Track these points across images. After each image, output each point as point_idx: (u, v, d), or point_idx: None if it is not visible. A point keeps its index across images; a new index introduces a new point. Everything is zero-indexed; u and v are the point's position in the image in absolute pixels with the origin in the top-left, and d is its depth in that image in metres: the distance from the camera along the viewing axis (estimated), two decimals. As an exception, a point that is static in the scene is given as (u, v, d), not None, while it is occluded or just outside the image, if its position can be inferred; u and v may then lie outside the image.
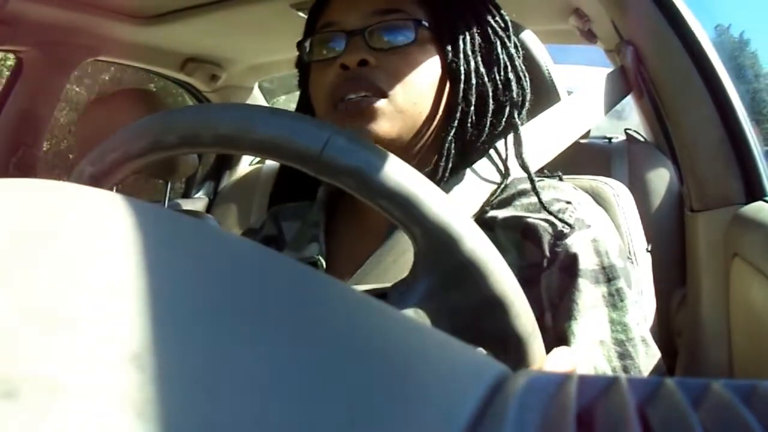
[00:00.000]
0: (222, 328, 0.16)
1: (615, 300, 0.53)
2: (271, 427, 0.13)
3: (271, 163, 1.51)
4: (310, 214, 0.66)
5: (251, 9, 1.12)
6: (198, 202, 1.58)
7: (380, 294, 0.37)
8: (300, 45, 0.63)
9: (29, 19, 1.08)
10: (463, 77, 0.58)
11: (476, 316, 0.36)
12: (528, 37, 0.81)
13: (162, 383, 0.13)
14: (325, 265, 0.60)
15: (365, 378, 0.16)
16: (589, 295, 0.52)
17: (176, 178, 1.32)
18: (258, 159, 1.58)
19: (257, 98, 1.68)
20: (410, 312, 0.36)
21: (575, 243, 0.53)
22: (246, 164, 1.64)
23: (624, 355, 0.51)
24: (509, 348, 0.37)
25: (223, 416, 0.13)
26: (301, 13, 1.09)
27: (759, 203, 0.73)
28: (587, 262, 0.53)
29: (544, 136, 0.67)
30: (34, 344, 0.13)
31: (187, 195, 1.63)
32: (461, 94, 0.58)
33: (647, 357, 0.52)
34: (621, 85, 0.81)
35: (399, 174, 0.36)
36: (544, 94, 0.78)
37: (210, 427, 0.13)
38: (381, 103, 0.55)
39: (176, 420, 0.13)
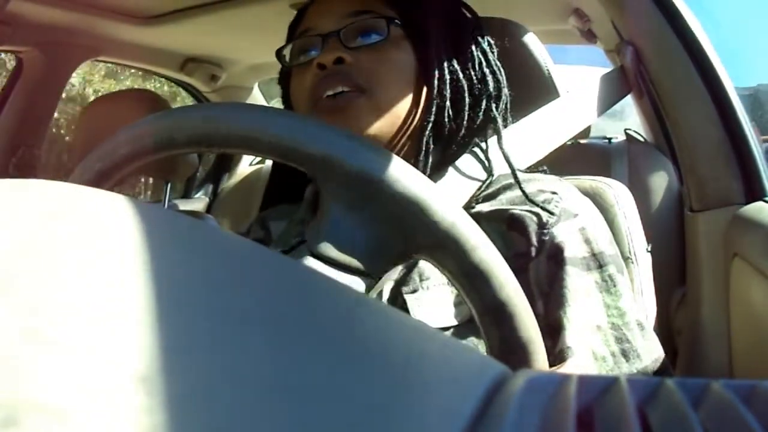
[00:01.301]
0: (226, 333, 0.16)
1: (608, 285, 0.53)
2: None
3: (270, 164, 1.51)
4: (297, 212, 0.68)
5: (251, 9, 1.12)
6: (198, 202, 1.58)
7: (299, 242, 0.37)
8: (279, 53, 0.64)
9: (29, 19, 1.08)
10: (436, 73, 0.59)
11: (400, 221, 0.36)
12: (528, 37, 0.81)
13: (171, 405, 0.13)
14: None
15: (365, 379, 0.16)
16: (580, 282, 0.53)
17: (176, 178, 1.32)
18: (258, 159, 1.58)
19: (257, 98, 1.68)
20: (327, 246, 0.36)
21: (562, 232, 0.54)
22: (246, 165, 1.64)
23: (621, 339, 0.51)
24: (448, 246, 0.35)
25: (221, 422, 0.13)
26: (301, 14, 1.09)
27: (759, 203, 0.73)
28: (576, 251, 0.54)
29: (537, 133, 0.67)
30: (36, 367, 0.13)
31: (187, 195, 1.63)
32: (436, 90, 0.59)
33: (644, 340, 0.53)
34: (621, 85, 0.81)
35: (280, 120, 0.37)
36: (544, 94, 0.78)
37: None
38: (361, 100, 0.57)
39: None
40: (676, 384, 0.16)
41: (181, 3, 1.12)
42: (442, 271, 0.37)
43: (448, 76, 0.59)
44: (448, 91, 0.59)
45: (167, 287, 0.16)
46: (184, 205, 1.49)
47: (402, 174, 0.35)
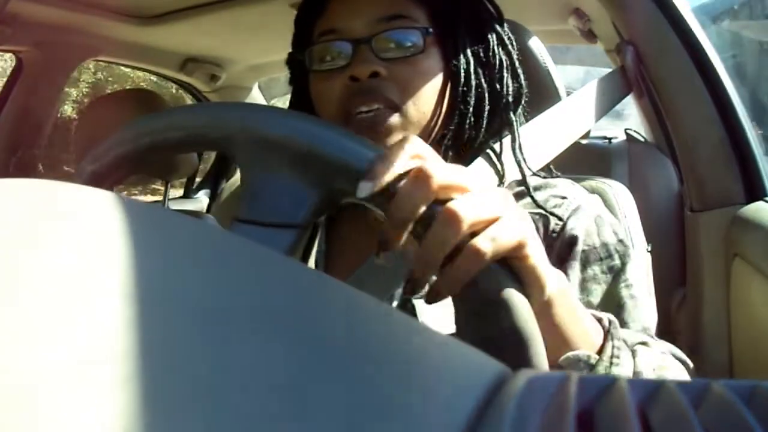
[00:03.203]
0: (224, 333, 0.16)
1: (607, 277, 0.55)
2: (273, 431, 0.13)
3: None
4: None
5: (251, 9, 1.12)
6: (198, 202, 1.58)
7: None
8: (297, 51, 0.61)
9: (29, 19, 1.08)
10: (463, 79, 0.57)
11: (312, 173, 0.37)
12: (528, 37, 0.81)
13: (152, 406, 0.13)
14: (324, 264, 0.60)
15: (365, 379, 0.16)
16: (576, 279, 0.55)
17: (176, 178, 1.32)
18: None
19: (257, 98, 1.68)
20: (252, 210, 0.38)
21: (567, 232, 0.55)
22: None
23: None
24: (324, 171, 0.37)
25: (222, 424, 0.13)
26: (301, 14, 1.09)
27: (759, 203, 0.73)
28: (577, 248, 0.55)
29: (544, 136, 0.67)
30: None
31: (187, 195, 1.63)
32: (461, 96, 0.57)
33: (636, 309, 0.55)
34: (621, 85, 0.81)
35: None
36: (544, 94, 0.78)
37: None
38: (394, 118, 0.54)
39: None
40: (676, 384, 0.16)
41: (181, 3, 1.12)
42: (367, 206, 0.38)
43: (474, 82, 0.58)
44: (473, 98, 0.58)
45: (165, 289, 0.16)
46: (184, 205, 1.49)
47: (303, 127, 0.37)
